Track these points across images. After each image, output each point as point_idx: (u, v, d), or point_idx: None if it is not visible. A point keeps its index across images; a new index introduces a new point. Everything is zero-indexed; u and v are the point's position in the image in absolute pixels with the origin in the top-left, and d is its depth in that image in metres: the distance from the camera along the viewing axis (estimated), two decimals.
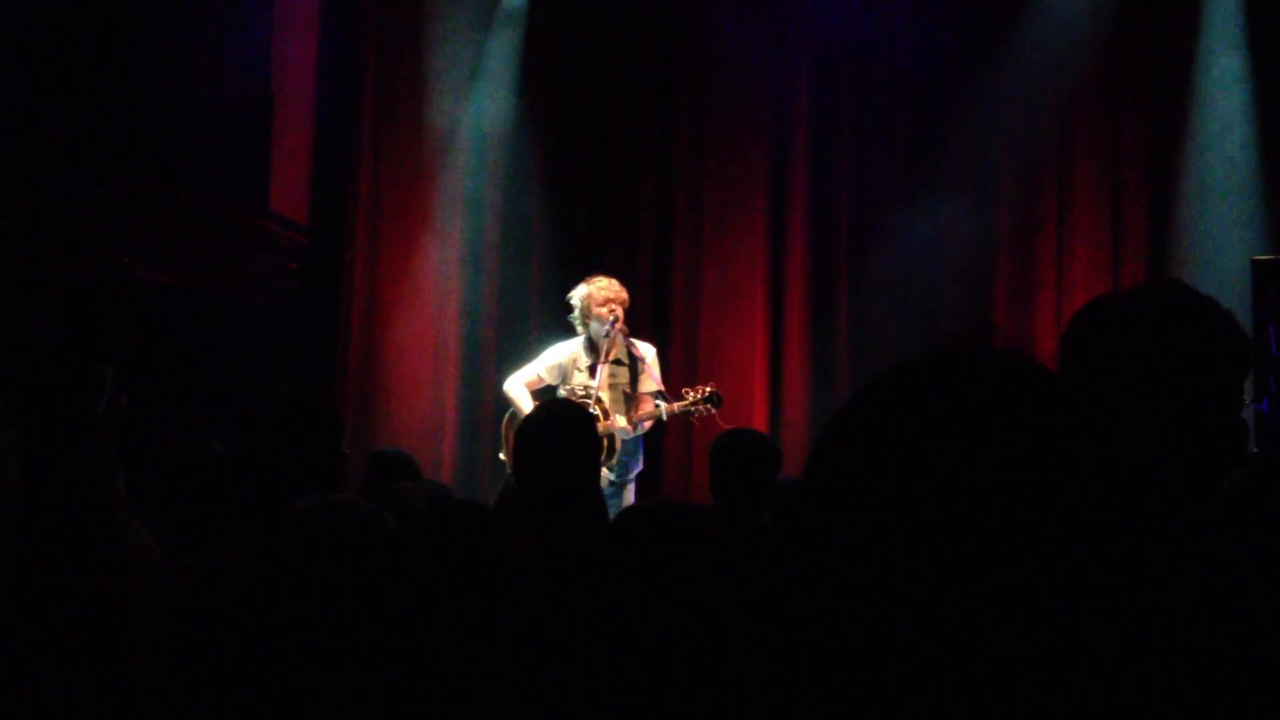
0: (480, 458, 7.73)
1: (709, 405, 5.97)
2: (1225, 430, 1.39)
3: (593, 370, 6.03)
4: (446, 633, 1.78)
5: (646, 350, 6.16)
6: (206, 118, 6.73)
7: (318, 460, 2.69)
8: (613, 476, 5.96)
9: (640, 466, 6.14)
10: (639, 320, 7.30)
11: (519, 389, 6.20)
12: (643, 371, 6.05)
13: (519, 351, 7.85)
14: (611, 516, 5.73)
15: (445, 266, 7.94)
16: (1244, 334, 1.53)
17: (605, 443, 5.79)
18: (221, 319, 6.79)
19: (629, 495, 6.05)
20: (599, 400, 5.93)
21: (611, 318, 6.01)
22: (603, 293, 6.06)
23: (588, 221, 8.02)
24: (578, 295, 6.15)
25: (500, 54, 8.02)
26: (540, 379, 6.21)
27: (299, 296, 7.62)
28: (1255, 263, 6.81)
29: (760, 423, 7.57)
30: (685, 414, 6.03)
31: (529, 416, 3.26)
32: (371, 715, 1.80)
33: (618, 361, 6.10)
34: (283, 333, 7.40)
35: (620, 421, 5.90)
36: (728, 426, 5.79)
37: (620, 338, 6.07)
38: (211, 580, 2.42)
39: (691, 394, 6.02)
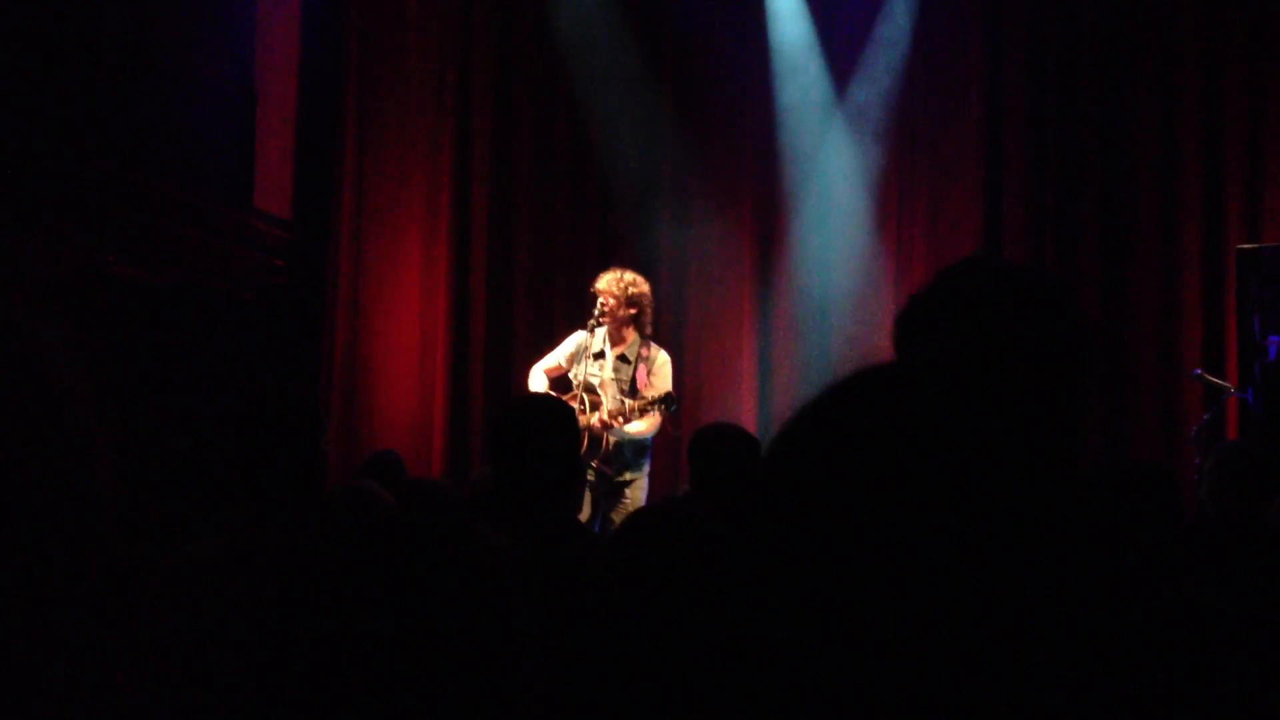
0: (469, 453, 7.73)
1: (663, 405, 5.96)
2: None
3: (599, 358, 6.07)
4: (423, 634, 1.78)
5: (660, 357, 6.16)
6: (190, 115, 6.71)
7: (296, 458, 2.68)
8: (612, 475, 5.96)
9: (649, 466, 6.11)
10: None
11: (538, 377, 6.24)
12: (649, 373, 6.05)
13: (506, 347, 7.87)
14: (613, 515, 5.79)
15: (431, 263, 7.94)
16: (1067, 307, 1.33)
17: (586, 438, 5.79)
18: (206, 317, 6.78)
19: (640, 495, 6.02)
20: (593, 391, 5.95)
21: (599, 310, 6.03)
22: (601, 282, 6.11)
23: (573, 219, 8.02)
24: (598, 280, 6.19)
25: (485, 51, 8.01)
26: (560, 366, 6.25)
27: (284, 293, 7.60)
28: (1240, 251, 6.82)
29: (748, 420, 7.58)
30: (645, 412, 6.00)
31: (506, 409, 3.25)
32: (350, 713, 1.80)
33: (623, 358, 6.11)
34: (268, 330, 7.38)
35: (593, 419, 5.89)
36: (674, 433, 5.87)
37: (636, 336, 6.09)
38: (199, 578, 2.42)
39: (649, 393, 6.03)
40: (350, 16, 7.92)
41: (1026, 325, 1.31)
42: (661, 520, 2.04)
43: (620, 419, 5.94)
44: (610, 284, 6.09)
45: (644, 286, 6.15)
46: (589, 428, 5.81)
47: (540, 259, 7.96)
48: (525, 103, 8.02)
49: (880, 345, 7.70)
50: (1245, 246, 6.84)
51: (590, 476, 5.84)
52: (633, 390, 6.05)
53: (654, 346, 6.17)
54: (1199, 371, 6.81)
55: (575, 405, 5.72)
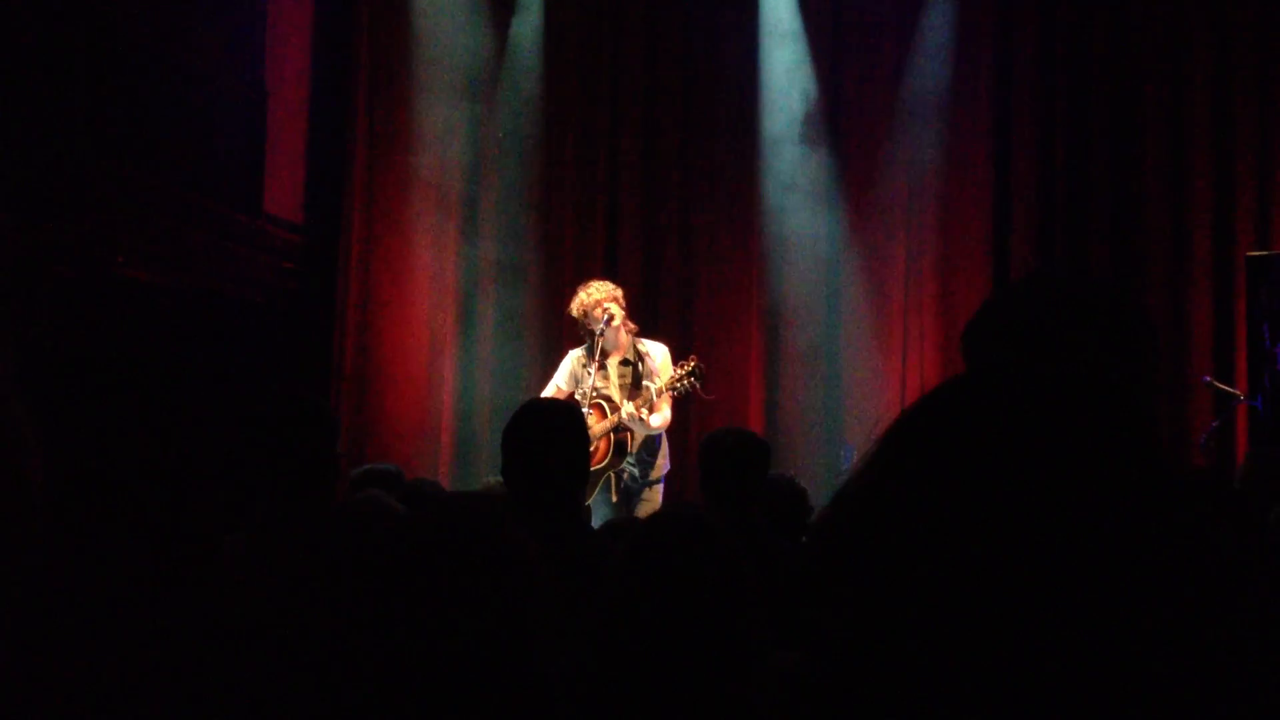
0: (477, 457, 7.74)
1: (691, 379, 5.96)
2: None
3: (602, 370, 6.06)
4: (452, 628, 1.77)
5: (656, 349, 6.16)
6: (201, 117, 6.73)
7: (311, 461, 2.68)
8: (637, 474, 5.97)
9: (668, 467, 6.13)
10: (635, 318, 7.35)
11: None
12: (647, 370, 6.05)
13: (516, 350, 7.87)
14: (637, 516, 5.79)
15: (441, 264, 7.95)
16: (1141, 318, 1.50)
17: (613, 442, 5.83)
18: (216, 319, 6.79)
19: (657, 497, 6.03)
20: (609, 399, 5.96)
21: (605, 316, 6.01)
22: (593, 296, 6.08)
23: (581, 220, 8.03)
24: (575, 306, 6.16)
25: (494, 53, 8.03)
26: (560, 390, 6.22)
27: (295, 296, 7.61)
28: (1249, 259, 6.81)
29: (755, 420, 7.58)
30: (673, 391, 6.02)
31: (517, 414, 3.25)
32: (374, 713, 1.80)
33: (625, 361, 6.11)
34: (278, 333, 7.40)
35: (627, 408, 5.88)
36: (711, 396, 5.81)
37: (629, 338, 6.08)
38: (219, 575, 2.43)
39: (675, 370, 6.04)
40: (361, 19, 7.93)
41: (1096, 333, 1.42)
42: (680, 524, 2.05)
43: (645, 410, 5.95)
44: (610, 292, 6.08)
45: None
46: (618, 426, 5.84)
47: (551, 261, 7.97)
48: (533, 111, 8.04)
49: (888, 355, 7.71)
50: (1255, 254, 6.83)
51: (618, 482, 5.88)
52: (637, 386, 6.05)
53: (644, 340, 6.17)
54: (1208, 379, 6.79)
55: (596, 413, 5.81)
